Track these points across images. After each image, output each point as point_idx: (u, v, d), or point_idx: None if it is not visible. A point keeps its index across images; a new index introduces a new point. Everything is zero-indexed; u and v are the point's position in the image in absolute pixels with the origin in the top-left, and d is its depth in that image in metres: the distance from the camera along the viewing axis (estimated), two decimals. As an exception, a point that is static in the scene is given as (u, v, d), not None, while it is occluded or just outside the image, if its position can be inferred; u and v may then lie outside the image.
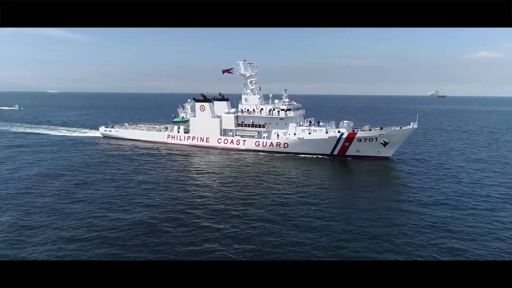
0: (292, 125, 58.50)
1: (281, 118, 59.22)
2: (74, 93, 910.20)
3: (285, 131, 59.08)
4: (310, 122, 60.83)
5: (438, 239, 24.57)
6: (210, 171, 45.58)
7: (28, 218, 27.90)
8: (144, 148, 62.96)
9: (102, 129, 77.49)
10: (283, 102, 60.26)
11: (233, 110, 64.84)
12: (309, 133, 56.21)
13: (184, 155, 56.94)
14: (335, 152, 55.27)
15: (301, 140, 56.10)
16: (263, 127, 60.44)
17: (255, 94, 62.62)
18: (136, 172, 44.19)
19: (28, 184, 37.71)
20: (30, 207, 30.56)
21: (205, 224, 27.26)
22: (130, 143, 68.48)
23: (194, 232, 25.60)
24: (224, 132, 63.97)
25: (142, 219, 27.98)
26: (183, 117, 69.48)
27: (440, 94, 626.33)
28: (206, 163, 50.90)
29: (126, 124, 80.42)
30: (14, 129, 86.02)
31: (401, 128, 53.74)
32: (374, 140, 52.86)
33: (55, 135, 77.53)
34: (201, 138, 65.02)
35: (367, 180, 42.53)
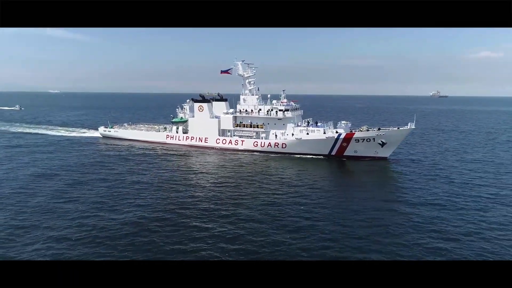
0: (290, 126, 58.72)
1: (279, 119, 59.46)
2: (74, 93, 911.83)
3: (283, 131, 59.34)
4: (308, 122, 61.15)
5: (422, 239, 24.77)
6: (204, 171, 45.91)
7: (19, 218, 28.29)
8: (140, 148, 63.36)
9: (101, 129, 78.10)
10: (281, 102, 60.42)
11: (231, 110, 65.23)
12: (307, 134, 56.41)
13: (179, 155, 57.29)
14: (333, 153, 55.48)
15: (299, 140, 56.32)
16: (261, 127, 60.68)
17: (253, 95, 62.89)
18: (130, 172, 44.57)
19: (22, 184, 38.14)
20: (22, 206, 30.98)
21: (194, 223, 27.58)
22: (128, 143, 68.91)
23: (182, 232, 25.94)
24: (222, 133, 64.30)
25: (132, 219, 28.33)
26: (181, 118, 69.85)
27: (442, 94, 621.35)
28: (201, 163, 51.23)
29: (125, 124, 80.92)
30: (13, 129, 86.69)
31: (398, 128, 53.94)
32: (372, 140, 52.99)
33: (54, 135, 78.05)
34: (199, 138, 65.39)
35: (361, 181, 42.73)
